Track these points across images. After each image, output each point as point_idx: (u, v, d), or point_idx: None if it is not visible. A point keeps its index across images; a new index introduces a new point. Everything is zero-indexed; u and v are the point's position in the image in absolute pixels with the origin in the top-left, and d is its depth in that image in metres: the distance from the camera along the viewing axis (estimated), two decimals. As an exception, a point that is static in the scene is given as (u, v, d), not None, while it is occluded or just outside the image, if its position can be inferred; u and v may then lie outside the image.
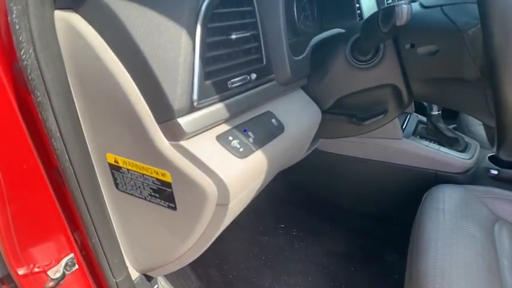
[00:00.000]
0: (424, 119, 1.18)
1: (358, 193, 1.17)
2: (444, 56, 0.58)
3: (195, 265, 1.04)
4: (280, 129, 0.56)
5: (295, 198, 1.35)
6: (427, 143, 1.07)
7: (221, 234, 1.19)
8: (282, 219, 1.29)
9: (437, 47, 0.58)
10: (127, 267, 0.63)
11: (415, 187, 0.96)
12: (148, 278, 0.71)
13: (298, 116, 0.62)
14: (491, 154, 1.12)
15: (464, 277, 0.65)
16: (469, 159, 1.04)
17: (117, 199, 0.56)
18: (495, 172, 1.01)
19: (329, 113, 0.69)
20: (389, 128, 1.05)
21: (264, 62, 0.56)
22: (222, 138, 0.48)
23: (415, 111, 1.24)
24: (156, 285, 0.76)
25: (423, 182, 0.96)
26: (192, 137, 0.46)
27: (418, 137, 1.12)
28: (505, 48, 0.42)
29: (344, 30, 0.78)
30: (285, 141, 0.56)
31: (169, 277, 0.96)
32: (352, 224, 1.23)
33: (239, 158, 0.47)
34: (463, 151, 1.07)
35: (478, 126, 1.38)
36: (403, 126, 1.13)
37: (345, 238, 1.20)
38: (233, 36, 0.49)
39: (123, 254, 0.62)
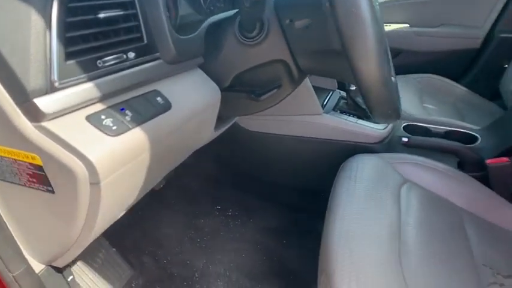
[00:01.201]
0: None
1: (286, 169, 1.22)
2: (316, 29, 0.61)
3: (126, 253, 1.03)
4: (165, 107, 0.56)
5: (229, 179, 1.38)
6: (346, 116, 1.13)
7: (154, 220, 1.21)
8: (217, 201, 1.31)
9: (310, 21, 0.61)
10: (26, 260, 0.61)
11: (337, 159, 1.01)
12: (59, 270, 0.69)
13: (189, 94, 0.63)
14: (405, 123, 1.21)
15: (367, 235, 0.71)
16: (384, 129, 1.11)
17: (1, 189, 0.54)
18: (405, 139, 1.09)
19: (229, 90, 0.71)
20: (309, 105, 1.09)
21: (145, 41, 0.56)
22: (93, 118, 0.47)
23: (338, 88, 1.30)
24: (71, 276, 0.75)
25: (344, 154, 1.02)
26: (58, 117, 0.45)
27: (338, 111, 1.17)
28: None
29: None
30: (171, 119, 0.57)
31: (97, 268, 0.95)
32: (284, 200, 1.28)
33: (111, 136, 0.47)
34: (379, 122, 1.14)
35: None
36: (324, 102, 1.18)
37: (278, 214, 1.25)
38: (101, 15, 0.48)
39: (20, 245, 0.60)
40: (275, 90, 0.71)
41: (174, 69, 0.61)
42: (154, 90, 0.57)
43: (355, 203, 0.77)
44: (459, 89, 1.76)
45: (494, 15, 1.79)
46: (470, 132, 1.12)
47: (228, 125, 0.92)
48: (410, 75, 1.81)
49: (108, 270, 0.98)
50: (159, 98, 0.56)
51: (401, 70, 1.81)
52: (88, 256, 0.91)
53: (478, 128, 1.16)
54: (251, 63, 0.67)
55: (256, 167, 1.29)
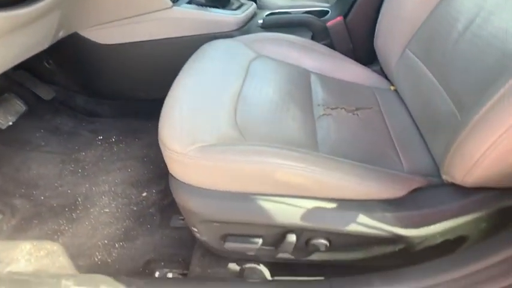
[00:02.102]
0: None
1: (154, 79, 1.17)
2: None
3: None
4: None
5: (105, 109, 1.30)
6: (199, 6, 1.08)
7: (27, 164, 1.11)
8: (97, 132, 1.24)
9: None
10: None
11: None
12: None
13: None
14: (267, 13, 1.21)
15: (204, 99, 0.71)
16: (241, 14, 1.10)
17: None
18: (261, 21, 1.10)
19: None
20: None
21: None
22: None
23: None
24: None
25: None
26: None
27: (195, 4, 1.12)
28: None
29: None
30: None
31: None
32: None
33: None
34: (236, 9, 1.12)
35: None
36: (175, -3, 1.11)
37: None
38: None
39: None
40: None
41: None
42: None
43: (200, 79, 0.77)
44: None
45: None
46: (323, 8, 1.18)
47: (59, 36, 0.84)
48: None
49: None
50: None
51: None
52: None
53: (329, 4, 1.22)
54: None
55: (127, 86, 1.22)
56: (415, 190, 0.62)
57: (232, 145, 0.59)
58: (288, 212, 0.59)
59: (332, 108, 0.81)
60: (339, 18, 1.02)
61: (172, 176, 0.64)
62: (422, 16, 0.83)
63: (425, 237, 0.60)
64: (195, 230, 0.65)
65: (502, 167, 0.51)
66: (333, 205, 0.59)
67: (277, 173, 0.56)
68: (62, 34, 0.98)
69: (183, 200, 0.62)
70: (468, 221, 0.57)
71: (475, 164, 0.52)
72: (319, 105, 0.82)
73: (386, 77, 1.02)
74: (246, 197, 0.60)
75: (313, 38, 1.13)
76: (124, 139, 1.21)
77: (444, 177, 0.60)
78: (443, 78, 0.71)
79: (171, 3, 1.02)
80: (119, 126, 1.27)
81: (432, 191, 0.62)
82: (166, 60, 1.13)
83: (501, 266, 0.49)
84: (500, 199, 0.57)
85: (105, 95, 1.29)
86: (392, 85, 0.98)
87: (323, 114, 0.79)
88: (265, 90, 0.80)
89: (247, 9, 1.13)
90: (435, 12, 0.80)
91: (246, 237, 0.64)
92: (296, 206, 0.59)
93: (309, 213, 0.59)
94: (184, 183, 0.62)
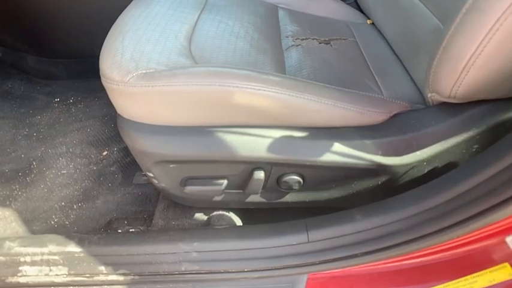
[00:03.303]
0: None
1: (108, 28, 1.05)
2: None
3: None
4: None
5: (60, 70, 1.18)
6: None
7: None
8: (54, 95, 1.12)
9: None
10: None
11: None
12: None
13: None
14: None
15: (154, 31, 0.61)
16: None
17: None
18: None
19: None
20: None
21: None
22: None
23: None
24: None
25: None
26: None
27: None
28: None
29: None
30: None
31: None
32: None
33: None
34: None
35: None
36: None
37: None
38: None
39: None
40: None
41: None
42: None
43: (149, 9, 0.66)
44: None
45: None
46: None
47: None
48: None
49: None
50: None
51: None
52: None
53: None
54: None
55: (80, 41, 1.10)
56: (396, 114, 0.55)
57: (181, 68, 0.50)
58: (252, 144, 0.51)
59: (302, 39, 0.72)
60: None
61: (119, 115, 0.55)
62: None
63: (411, 166, 0.53)
64: (151, 175, 0.57)
65: (490, 73, 0.44)
66: (303, 134, 0.51)
67: (236, 96, 0.48)
68: None
69: (132, 139, 0.54)
70: (458, 142, 0.50)
71: (462, 72, 0.45)
72: (287, 37, 0.72)
73: (362, 12, 0.93)
74: (203, 130, 0.51)
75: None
76: (83, 100, 1.10)
77: (430, 96, 0.53)
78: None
79: None
80: (77, 87, 1.16)
81: (416, 114, 0.54)
82: (121, 8, 1.01)
83: (487, 184, 0.43)
84: (493, 114, 0.50)
85: (58, 54, 1.16)
86: (369, 19, 0.89)
87: (292, 45, 0.69)
88: (225, 21, 0.69)
89: None
90: None
91: (208, 179, 0.56)
92: (262, 136, 0.51)
93: (277, 144, 0.51)
94: (132, 120, 0.53)
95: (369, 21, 0.90)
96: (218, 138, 0.51)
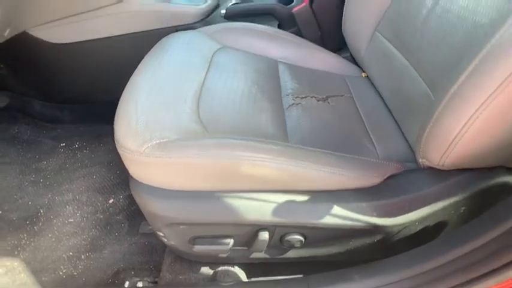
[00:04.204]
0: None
1: (113, 78, 1.11)
2: None
3: None
4: None
5: (65, 114, 1.22)
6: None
7: None
8: (59, 139, 1.16)
9: None
10: None
11: None
12: None
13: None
14: (232, 2, 1.16)
15: (166, 93, 0.66)
16: (204, 5, 1.05)
17: None
18: (223, 11, 1.05)
19: None
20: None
21: None
22: None
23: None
24: None
25: None
26: None
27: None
28: None
29: None
30: None
31: None
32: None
33: None
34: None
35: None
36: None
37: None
38: None
39: None
40: None
41: None
42: None
43: (158, 72, 0.71)
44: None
45: None
46: (288, -4, 1.14)
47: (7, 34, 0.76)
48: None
49: None
50: None
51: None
52: None
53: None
54: None
55: (86, 87, 1.15)
56: (390, 177, 0.60)
57: (193, 139, 0.55)
58: (257, 208, 0.55)
59: (302, 97, 0.77)
60: (305, 4, 0.98)
61: (132, 177, 0.59)
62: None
63: (404, 226, 0.57)
64: (161, 234, 0.61)
65: (477, 146, 0.49)
66: (304, 198, 0.55)
67: (243, 167, 0.52)
68: (8, 34, 0.90)
69: (144, 202, 0.57)
70: (447, 205, 0.55)
71: (451, 144, 0.49)
72: (288, 95, 0.78)
73: (357, 64, 1.00)
74: (212, 195, 0.55)
75: (279, 27, 1.10)
76: (88, 145, 1.14)
77: (420, 161, 0.58)
78: (415, 59, 0.69)
79: (121, -4, 0.96)
80: (81, 132, 1.20)
81: (408, 176, 0.59)
82: (125, 57, 1.06)
83: (484, 249, 0.47)
84: (479, 180, 0.55)
85: (63, 99, 1.21)
86: (364, 72, 0.96)
87: (292, 104, 0.75)
88: (230, 81, 0.75)
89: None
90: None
91: (216, 238, 0.60)
92: (266, 201, 0.55)
93: (280, 208, 0.55)
94: (145, 184, 0.57)
95: (363, 74, 0.96)
96: (226, 203, 0.55)
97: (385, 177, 0.59)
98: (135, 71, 0.73)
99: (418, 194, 0.56)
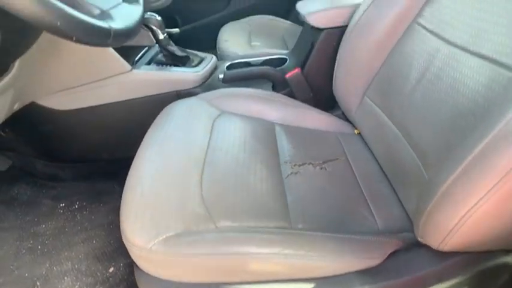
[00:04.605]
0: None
1: (117, 140, 1.13)
2: None
3: None
4: None
5: (66, 172, 1.23)
6: (159, 67, 1.07)
7: None
8: (59, 199, 1.16)
9: None
10: None
11: None
12: None
13: None
14: (228, 63, 1.21)
15: (168, 167, 0.68)
16: (202, 70, 1.09)
17: None
18: (221, 76, 1.10)
19: None
20: (113, 65, 1.00)
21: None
22: None
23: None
24: None
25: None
26: None
27: (155, 65, 1.11)
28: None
29: None
30: None
31: None
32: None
33: None
34: (196, 66, 1.12)
35: (224, 43, 1.48)
36: (136, 59, 1.10)
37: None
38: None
39: None
40: None
41: None
42: None
43: (162, 150, 0.74)
44: (286, 23, 1.86)
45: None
46: (281, 56, 1.20)
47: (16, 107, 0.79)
48: (242, 19, 1.84)
49: None
50: None
51: (236, 17, 1.83)
52: None
53: (287, 51, 1.24)
54: None
55: (90, 149, 1.17)
56: (391, 254, 0.60)
57: (200, 234, 0.55)
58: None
59: (299, 165, 0.79)
60: (297, 70, 1.03)
61: (136, 266, 0.59)
62: (376, 65, 0.85)
63: (409, 306, 0.57)
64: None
65: (478, 233, 0.49)
66: (310, 285, 0.56)
67: (250, 263, 0.54)
68: (17, 107, 0.93)
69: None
70: (448, 286, 0.55)
71: (450, 233, 0.50)
72: (286, 162, 0.80)
73: (349, 120, 1.03)
74: (218, 287, 0.55)
75: (273, 88, 1.14)
76: (88, 205, 1.14)
77: (420, 240, 0.59)
78: (405, 130, 0.72)
79: (130, 67, 1.00)
80: (82, 190, 1.20)
81: (408, 254, 0.60)
82: (129, 120, 1.10)
83: None
84: (479, 261, 0.55)
85: (66, 159, 1.22)
86: (356, 129, 0.99)
87: (291, 173, 0.77)
88: (231, 151, 0.77)
89: (207, 65, 1.13)
90: (388, 61, 0.82)
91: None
92: (270, 291, 0.55)
93: (285, 297, 0.55)
94: (151, 275, 0.57)
95: (356, 131, 0.99)
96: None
97: (386, 255, 0.60)
98: (140, 147, 0.75)
99: (419, 275, 0.56)
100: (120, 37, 0.52)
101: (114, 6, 0.58)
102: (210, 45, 1.78)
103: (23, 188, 1.21)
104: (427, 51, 0.69)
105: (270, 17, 1.88)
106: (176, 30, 1.98)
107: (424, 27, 0.73)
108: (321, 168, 0.80)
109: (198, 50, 1.20)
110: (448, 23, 0.67)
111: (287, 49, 1.56)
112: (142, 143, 0.77)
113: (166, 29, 1.24)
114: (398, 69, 0.77)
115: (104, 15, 0.51)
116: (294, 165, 0.79)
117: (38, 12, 0.40)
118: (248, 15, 1.85)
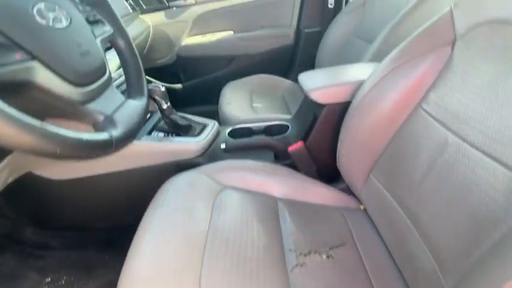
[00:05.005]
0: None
1: (115, 209, 1.09)
2: None
3: None
4: None
5: (57, 240, 1.17)
6: (160, 137, 1.06)
7: None
8: (45, 272, 1.09)
9: None
10: None
11: (163, 182, 0.93)
12: None
13: None
14: (230, 129, 1.21)
15: (167, 255, 0.65)
16: (203, 140, 1.08)
17: None
18: (223, 146, 1.08)
19: None
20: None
21: None
22: None
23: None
24: None
25: (168, 175, 0.94)
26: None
27: (157, 133, 1.10)
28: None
29: None
30: None
31: None
32: (125, 243, 1.14)
33: None
34: (198, 134, 1.11)
35: (226, 106, 1.49)
36: (137, 127, 1.09)
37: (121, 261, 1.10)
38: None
39: None
40: None
41: None
42: None
43: (161, 230, 0.70)
44: (286, 83, 1.91)
45: (296, 15, 2.01)
46: (283, 123, 1.19)
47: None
48: (243, 78, 1.88)
49: None
50: None
51: (237, 75, 1.88)
52: None
53: (289, 117, 1.24)
54: None
55: (85, 218, 1.12)
56: None
57: None
58: None
59: (305, 255, 0.75)
60: (299, 144, 1.02)
61: None
62: (381, 146, 0.83)
63: None
64: None
65: None
66: None
67: None
68: (11, 179, 0.90)
69: None
70: None
71: None
72: (290, 250, 0.75)
73: (354, 194, 1.00)
74: None
75: (275, 157, 1.12)
76: (76, 281, 1.06)
77: None
78: (415, 219, 0.68)
79: (131, 139, 0.99)
80: (71, 262, 1.13)
81: None
82: (126, 190, 1.06)
83: None
84: None
85: (59, 227, 1.17)
86: (362, 204, 0.95)
87: (296, 265, 0.72)
88: (232, 240, 0.73)
89: (209, 132, 1.12)
90: (393, 144, 0.80)
91: None
92: None
93: None
94: None
95: (362, 207, 0.95)
96: None
97: None
98: (138, 229, 0.72)
99: None
100: (123, 142, 0.50)
101: (118, 108, 0.58)
102: (210, 101, 1.80)
103: (8, 258, 1.14)
104: (434, 141, 0.68)
105: (270, 76, 1.93)
106: (179, 86, 2.02)
107: (430, 114, 0.72)
108: (328, 257, 0.75)
109: (200, 105, 1.20)
110: (454, 114, 0.65)
111: (288, 109, 1.58)
112: (140, 227, 0.73)
113: (170, 84, 1.25)
114: (404, 154, 0.75)
115: (107, 121, 0.50)
116: (300, 254, 0.74)
117: (37, 145, 0.38)
118: (249, 74, 1.90)
